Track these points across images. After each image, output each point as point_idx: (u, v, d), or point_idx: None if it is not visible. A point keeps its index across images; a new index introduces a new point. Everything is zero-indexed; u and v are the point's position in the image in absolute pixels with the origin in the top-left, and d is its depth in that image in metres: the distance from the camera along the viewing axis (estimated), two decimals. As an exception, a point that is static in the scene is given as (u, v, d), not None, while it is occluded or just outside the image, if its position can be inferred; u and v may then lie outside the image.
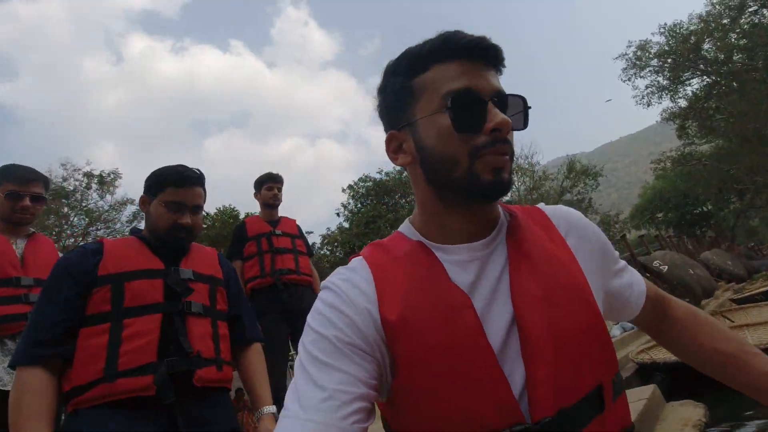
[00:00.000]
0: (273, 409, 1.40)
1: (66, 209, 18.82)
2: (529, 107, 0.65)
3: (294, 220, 3.25)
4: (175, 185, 1.35)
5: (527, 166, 27.16)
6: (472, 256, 0.64)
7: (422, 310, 0.58)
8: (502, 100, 0.62)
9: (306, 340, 0.59)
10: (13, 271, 1.87)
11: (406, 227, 0.71)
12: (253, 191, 3.20)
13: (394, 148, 0.69)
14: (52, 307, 1.18)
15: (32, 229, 2.07)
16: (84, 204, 19.36)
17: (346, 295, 0.60)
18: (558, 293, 0.61)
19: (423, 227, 0.68)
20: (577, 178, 27.30)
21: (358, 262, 0.66)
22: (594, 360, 0.60)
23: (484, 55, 0.62)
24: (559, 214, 0.73)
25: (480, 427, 0.54)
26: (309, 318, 0.62)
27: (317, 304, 0.63)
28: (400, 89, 0.65)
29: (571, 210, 0.75)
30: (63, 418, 1.19)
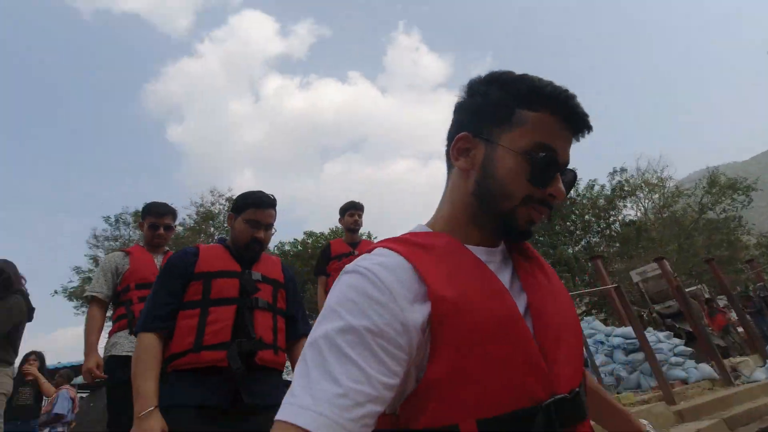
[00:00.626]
0: None
1: (212, 230, 22.18)
2: (577, 182, 0.77)
3: (373, 243, 3.59)
4: (255, 207, 1.76)
5: (656, 181, 24.10)
6: (488, 258, 0.68)
7: (473, 291, 0.59)
8: (567, 177, 0.70)
9: (331, 326, 0.55)
10: (153, 278, 2.50)
11: (421, 229, 0.72)
12: (338, 216, 3.63)
13: (460, 149, 0.70)
14: (163, 292, 1.63)
15: (167, 248, 2.93)
16: (226, 225, 22.53)
17: (382, 282, 0.56)
18: (558, 295, 0.70)
19: (446, 228, 0.70)
20: (722, 193, 23.26)
21: (384, 251, 0.62)
22: (578, 361, 0.67)
23: (580, 131, 0.69)
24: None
25: (528, 400, 0.56)
26: (335, 302, 0.57)
27: (344, 289, 0.58)
28: (501, 107, 0.67)
29: None
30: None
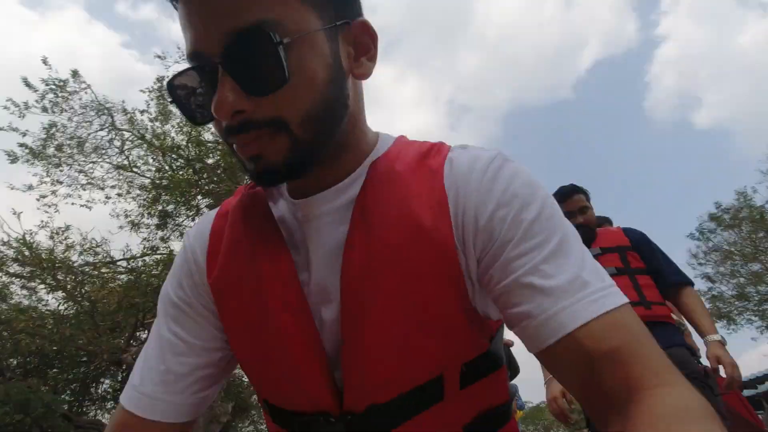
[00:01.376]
0: (717, 336, 1.81)
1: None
2: (280, 42, 0.40)
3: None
4: (560, 200, 2.09)
5: None
6: (318, 210, 0.51)
7: (239, 273, 0.50)
8: (234, 56, 0.41)
9: (162, 295, 0.57)
10: None
11: None
12: None
13: None
14: None
15: None
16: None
17: (191, 246, 0.57)
18: (395, 268, 0.47)
19: None
20: None
21: (219, 208, 0.59)
22: (431, 349, 0.49)
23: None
24: (462, 164, 0.50)
25: (311, 406, 0.50)
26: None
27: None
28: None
29: (495, 168, 0.49)
30: None
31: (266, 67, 0.40)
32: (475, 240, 0.48)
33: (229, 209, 0.56)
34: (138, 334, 9.16)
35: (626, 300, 0.44)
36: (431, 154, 0.52)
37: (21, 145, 9.33)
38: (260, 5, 0.40)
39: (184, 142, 9.65)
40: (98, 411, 11.37)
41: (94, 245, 8.95)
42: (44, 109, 9.34)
